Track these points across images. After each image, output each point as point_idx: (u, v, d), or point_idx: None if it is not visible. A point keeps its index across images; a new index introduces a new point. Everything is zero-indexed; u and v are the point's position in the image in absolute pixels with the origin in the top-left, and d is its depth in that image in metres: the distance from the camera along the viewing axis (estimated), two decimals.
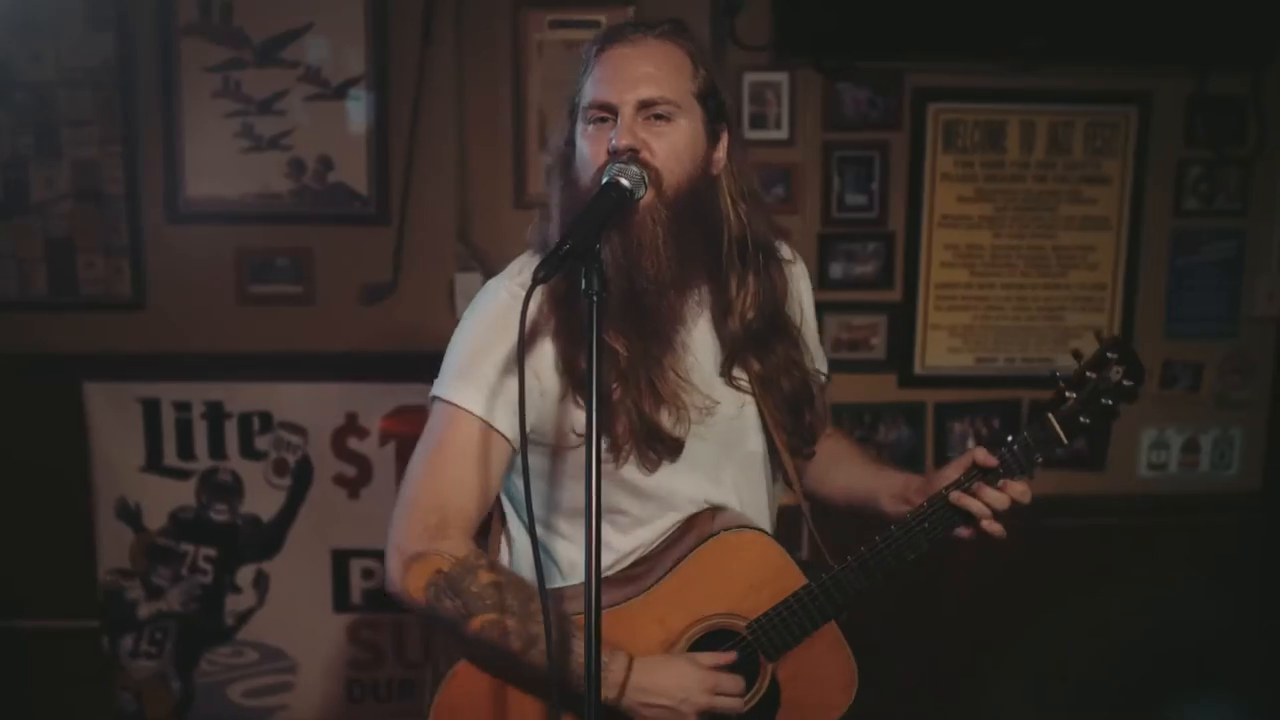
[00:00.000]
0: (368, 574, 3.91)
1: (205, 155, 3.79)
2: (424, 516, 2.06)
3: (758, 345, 2.18)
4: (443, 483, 2.08)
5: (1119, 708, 4.05)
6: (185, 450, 3.86)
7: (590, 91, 2.03)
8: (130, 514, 3.87)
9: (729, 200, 2.12)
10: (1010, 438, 2.20)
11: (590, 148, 2.02)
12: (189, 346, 3.86)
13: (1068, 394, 2.19)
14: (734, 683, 2.11)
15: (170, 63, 3.75)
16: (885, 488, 2.35)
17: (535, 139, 3.84)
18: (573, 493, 2.15)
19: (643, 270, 2.00)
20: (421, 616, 2.11)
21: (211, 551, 3.91)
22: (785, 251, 2.32)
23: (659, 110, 1.99)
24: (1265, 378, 4.15)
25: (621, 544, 2.18)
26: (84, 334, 3.84)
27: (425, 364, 3.85)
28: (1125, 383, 2.17)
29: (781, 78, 3.87)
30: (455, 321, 3.80)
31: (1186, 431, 4.15)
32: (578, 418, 2.06)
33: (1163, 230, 4.06)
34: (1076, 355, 2.21)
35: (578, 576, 2.16)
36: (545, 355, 2.06)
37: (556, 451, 2.12)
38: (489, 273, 3.78)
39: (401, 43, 3.77)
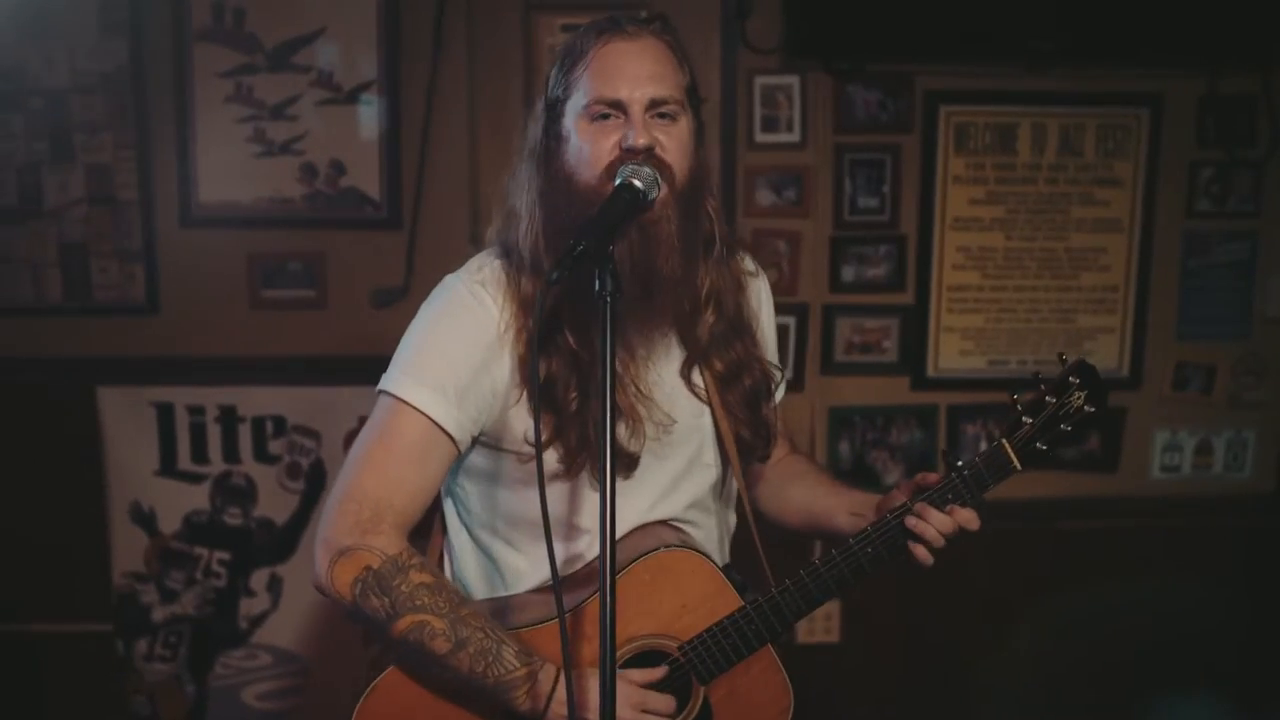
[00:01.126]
0: None
1: (218, 160, 3.80)
2: (357, 510, 2.00)
3: (721, 343, 2.16)
4: (380, 478, 2.02)
5: (1132, 709, 4.04)
6: (199, 454, 3.87)
7: (592, 86, 1.97)
8: (144, 518, 3.88)
9: (707, 198, 2.11)
10: (960, 462, 2.13)
11: (593, 146, 1.97)
12: (202, 350, 3.87)
13: (1024, 419, 2.13)
14: (663, 702, 2.07)
15: (183, 68, 3.76)
16: (843, 505, 2.30)
17: None
18: (518, 499, 2.12)
19: (658, 270, 1.98)
20: (347, 614, 2.05)
21: (225, 555, 3.92)
22: (748, 264, 2.30)
23: (666, 109, 1.98)
24: (1278, 379, 4.14)
25: (563, 554, 2.13)
26: (98, 338, 3.86)
27: None
28: (1087, 408, 2.13)
29: (793, 80, 3.87)
30: None
31: (1199, 433, 4.14)
32: (529, 428, 2.02)
33: (1175, 232, 4.05)
34: (1037, 379, 2.17)
35: (522, 585, 2.15)
36: (505, 360, 2.04)
37: (502, 457, 2.10)
38: None
39: (413, 47, 3.78)
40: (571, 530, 2.13)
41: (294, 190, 3.82)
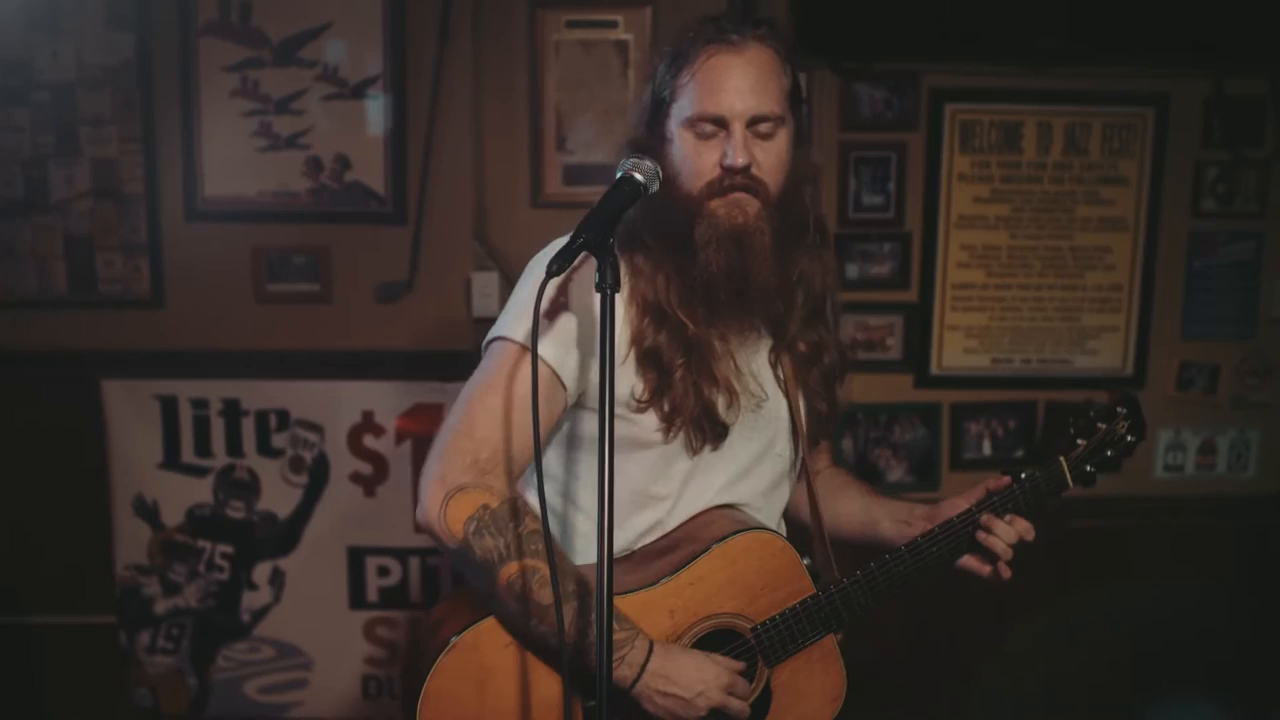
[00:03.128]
0: (384, 571, 3.92)
1: (223, 154, 3.81)
2: (475, 450, 2.01)
3: (805, 325, 2.23)
4: (496, 421, 2.03)
5: (1135, 708, 4.04)
6: (203, 447, 3.87)
7: (697, 99, 2.03)
8: (147, 511, 3.89)
9: (804, 192, 2.16)
10: (1024, 474, 2.27)
11: (696, 160, 2.04)
12: (207, 344, 3.88)
13: (1079, 440, 2.29)
14: (745, 687, 2.12)
15: (189, 62, 3.77)
16: (887, 514, 2.38)
17: (552, 138, 3.85)
18: (623, 469, 2.10)
19: (752, 278, 2.05)
20: (453, 554, 2.03)
21: (228, 548, 3.93)
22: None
23: (765, 128, 2.03)
24: None
25: (639, 523, 2.19)
26: (102, 331, 3.86)
27: (441, 363, 3.89)
28: (1129, 438, 2.30)
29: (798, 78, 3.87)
30: (472, 320, 3.83)
31: (1203, 433, 4.14)
32: (636, 386, 2.08)
33: (1180, 231, 4.05)
34: (1090, 405, 2.31)
35: (590, 554, 2.17)
36: (616, 320, 2.05)
37: (594, 417, 2.11)
38: (506, 272, 3.82)
39: (419, 43, 3.78)
40: (650, 499, 2.18)
41: (299, 184, 3.83)
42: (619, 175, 1.95)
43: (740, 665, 2.12)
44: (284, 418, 3.88)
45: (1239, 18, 3.71)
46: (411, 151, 3.82)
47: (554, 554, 1.93)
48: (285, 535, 3.92)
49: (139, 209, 3.82)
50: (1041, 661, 4.02)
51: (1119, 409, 2.30)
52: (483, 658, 2.08)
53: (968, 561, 2.27)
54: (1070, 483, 2.28)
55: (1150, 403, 4.05)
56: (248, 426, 3.88)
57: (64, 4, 3.71)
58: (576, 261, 1.92)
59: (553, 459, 2.21)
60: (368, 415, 3.87)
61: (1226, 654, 4.04)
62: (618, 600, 2.05)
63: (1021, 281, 4.02)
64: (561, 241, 2.12)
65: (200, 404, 3.86)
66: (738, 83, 2.01)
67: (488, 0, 3.80)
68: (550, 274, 1.80)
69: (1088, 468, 2.29)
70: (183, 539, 3.91)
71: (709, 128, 2.03)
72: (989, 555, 2.24)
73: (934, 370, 4.05)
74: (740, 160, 2.00)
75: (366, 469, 3.89)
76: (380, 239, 3.86)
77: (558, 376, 2.05)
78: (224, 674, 3.98)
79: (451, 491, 1.99)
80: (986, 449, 4.10)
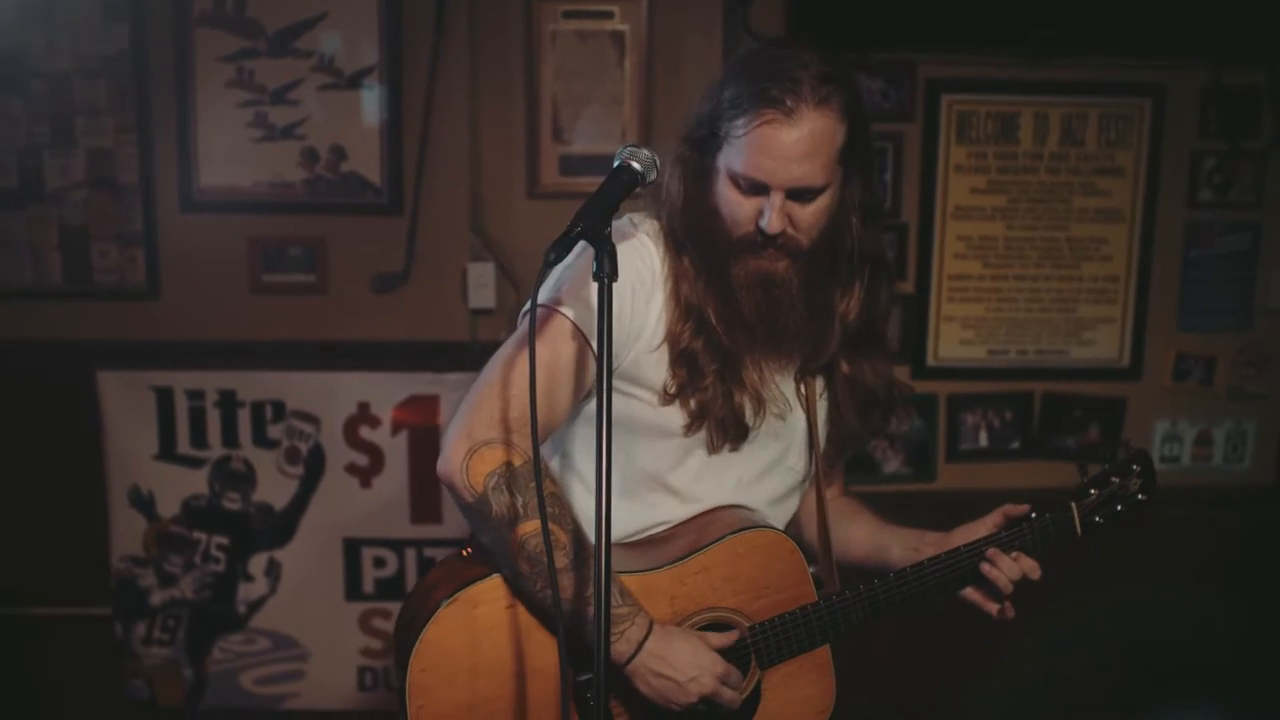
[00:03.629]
0: (379, 563, 3.92)
1: (219, 145, 3.80)
2: (504, 407, 2.01)
3: (849, 348, 2.23)
4: (527, 382, 1.97)
5: (1130, 699, 4.04)
6: (198, 438, 3.87)
7: (744, 159, 2.02)
8: (143, 502, 3.88)
9: (850, 229, 2.15)
10: (1034, 514, 2.27)
11: (736, 209, 2.05)
12: (202, 335, 3.87)
13: (1091, 490, 2.30)
14: (739, 680, 2.12)
15: (184, 52, 3.76)
16: (898, 540, 2.38)
17: (548, 129, 3.84)
18: (641, 453, 2.16)
19: (781, 323, 2.09)
20: (469, 508, 2.02)
21: (224, 539, 3.93)
22: None
23: (806, 196, 2.03)
24: (1279, 371, 4.14)
25: (651, 515, 2.21)
26: (98, 322, 3.86)
27: (438, 353, 3.89)
28: (1140, 496, 2.31)
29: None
30: (468, 312, 3.84)
31: (1199, 424, 4.14)
32: (667, 380, 2.10)
33: (1177, 222, 4.05)
34: (1105, 458, 2.33)
35: (614, 538, 2.18)
36: (656, 302, 2.09)
37: (626, 401, 2.13)
38: (502, 262, 3.82)
39: (414, 33, 3.77)
40: (664, 487, 2.19)
41: (295, 175, 3.82)
42: (616, 164, 1.95)
43: (728, 639, 2.13)
44: (280, 409, 3.87)
45: (1236, 8, 3.71)
46: (407, 142, 3.81)
47: (559, 521, 1.98)
48: (281, 526, 3.92)
49: (134, 199, 3.82)
50: (1037, 652, 4.01)
51: (1134, 466, 2.31)
52: (482, 614, 2.07)
53: (970, 594, 2.29)
54: (1079, 531, 2.29)
55: (1146, 394, 4.09)
56: (243, 417, 3.87)
57: None
58: (635, 239, 1.99)
59: (578, 436, 2.21)
60: (364, 406, 3.87)
61: (1223, 645, 4.05)
62: (624, 578, 2.06)
63: (1018, 272, 4.02)
64: (617, 220, 2.13)
65: (196, 395, 3.85)
66: (785, 153, 1.99)
67: None
68: (548, 263, 1.79)
69: (1096, 519, 2.30)
70: (178, 530, 3.91)
71: (751, 187, 2.04)
72: (992, 590, 2.26)
73: (930, 361, 4.05)
74: (775, 228, 2.02)
75: (362, 460, 3.89)
76: (376, 230, 3.85)
77: (590, 346, 2.03)
78: (220, 665, 3.97)
79: (476, 445, 1.99)
80: (983, 440, 4.10)
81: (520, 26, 3.81)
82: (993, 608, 2.28)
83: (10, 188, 3.79)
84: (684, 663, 2.03)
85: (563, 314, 2.04)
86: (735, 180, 2.04)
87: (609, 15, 3.81)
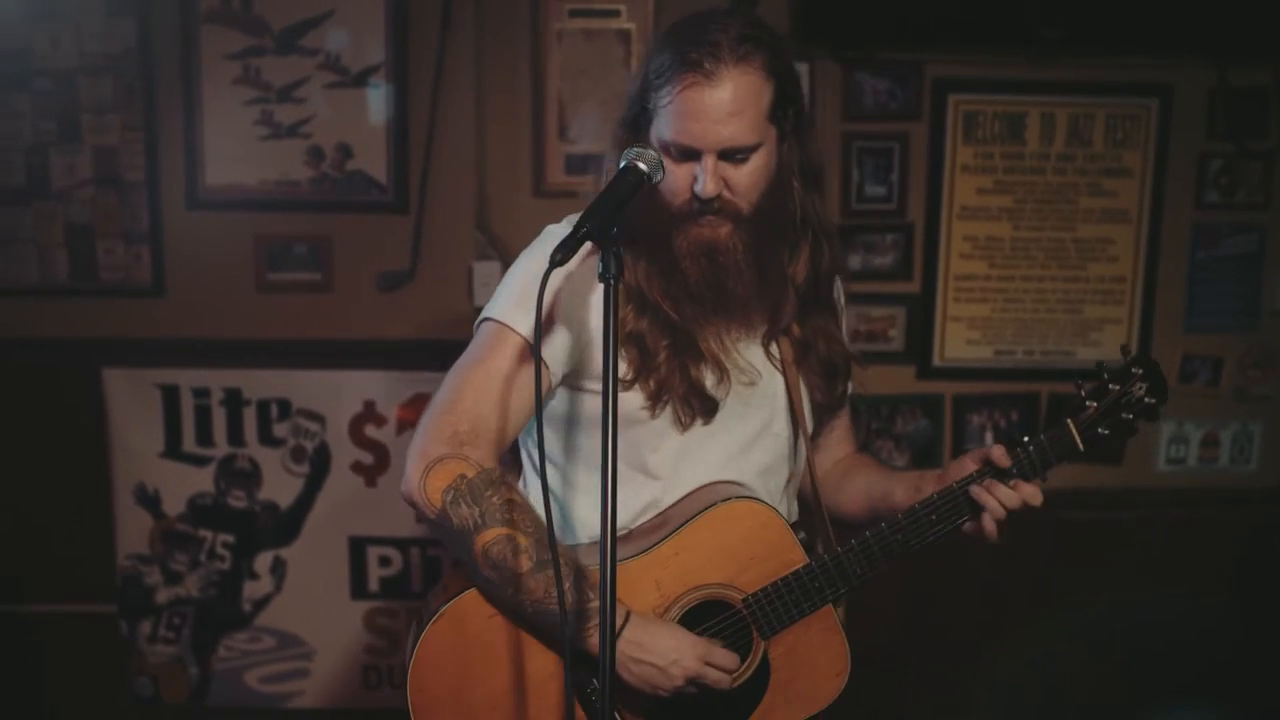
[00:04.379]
0: (385, 561, 3.92)
1: (225, 142, 3.80)
2: (455, 423, 2.06)
3: (800, 313, 2.25)
4: (480, 396, 2.09)
5: (1134, 701, 4.04)
6: (204, 437, 3.87)
7: (671, 126, 2.04)
8: (149, 500, 3.89)
9: (792, 192, 2.17)
10: (1026, 438, 2.20)
11: (673, 179, 2.06)
12: (208, 333, 3.87)
13: (1089, 402, 2.20)
14: (727, 657, 2.11)
15: (191, 50, 3.76)
16: (901, 484, 2.37)
17: (554, 128, 3.84)
18: (593, 441, 2.17)
19: (728, 290, 2.10)
20: (432, 524, 2.09)
21: (229, 538, 3.93)
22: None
23: (738, 156, 2.04)
24: None
25: (635, 502, 2.20)
26: (104, 320, 3.86)
27: (443, 352, 3.85)
28: (1148, 400, 2.21)
29: (801, 68, 3.85)
30: (474, 310, 3.83)
31: (1205, 426, 4.13)
32: (620, 366, 2.09)
33: (1183, 223, 4.04)
34: (1101, 365, 2.23)
35: (591, 533, 2.19)
36: (596, 302, 2.08)
37: (583, 397, 2.17)
38: (507, 261, 3.80)
39: (421, 31, 3.77)
40: (644, 474, 2.20)
41: (301, 173, 3.82)
42: (622, 165, 1.96)
43: (723, 654, 2.12)
44: (285, 407, 3.88)
45: (1243, 8, 3.71)
46: (413, 140, 3.81)
47: (518, 525, 2.01)
48: (286, 525, 3.92)
49: (140, 197, 3.82)
50: (1043, 654, 4.01)
51: (1134, 369, 2.21)
52: (468, 628, 2.10)
53: (970, 527, 2.22)
54: (1081, 446, 2.19)
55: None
56: (249, 416, 3.88)
57: None
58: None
59: (548, 441, 2.23)
60: (369, 405, 3.87)
61: (1228, 647, 4.04)
62: (596, 571, 2.04)
63: (1024, 273, 4.01)
64: (556, 227, 2.19)
65: (202, 393, 3.86)
66: (710, 115, 2.01)
67: None
68: (554, 263, 1.79)
69: (1100, 429, 2.19)
70: (184, 528, 3.91)
71: (682, 155, 2.05)
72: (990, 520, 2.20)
73: (936, 362, 4.05)
74: (710, 190, 2.03)
75: (368, 458, 3.89)
76: (382, 228, 3.85)
77: (541, 357, 2.04)
78: (225, 663, 3.98)
79: (431, 463, 2.04)
80: (989, 441, 4.08)
81: (527, 25, 3.81)
82: (991, 529, 2.19)
83: (16, 185, 3.79)
84: (663, 647, 2.04)
85: (511, 329, 2.10)
86: (667, 150, 2.05)
87: (615, 14, 3.81)
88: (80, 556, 3.93)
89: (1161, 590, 3.91)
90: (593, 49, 3.82)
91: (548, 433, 2.23)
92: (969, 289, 4.01)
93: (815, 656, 2.21)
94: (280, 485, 3.92)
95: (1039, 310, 4.02)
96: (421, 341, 3.84)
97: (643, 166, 1.95)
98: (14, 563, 3.90)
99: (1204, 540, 4.04)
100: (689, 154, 2.04)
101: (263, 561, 3.94)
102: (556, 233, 2.17)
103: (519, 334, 2.09)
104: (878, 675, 4.04)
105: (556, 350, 2.11)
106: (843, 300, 2.43)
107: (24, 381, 3.83)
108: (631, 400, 2.14)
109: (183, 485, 3.90)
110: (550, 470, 2.23)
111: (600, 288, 1.96)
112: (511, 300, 2.13)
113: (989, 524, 2.18)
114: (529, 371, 2.08)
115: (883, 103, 3.91)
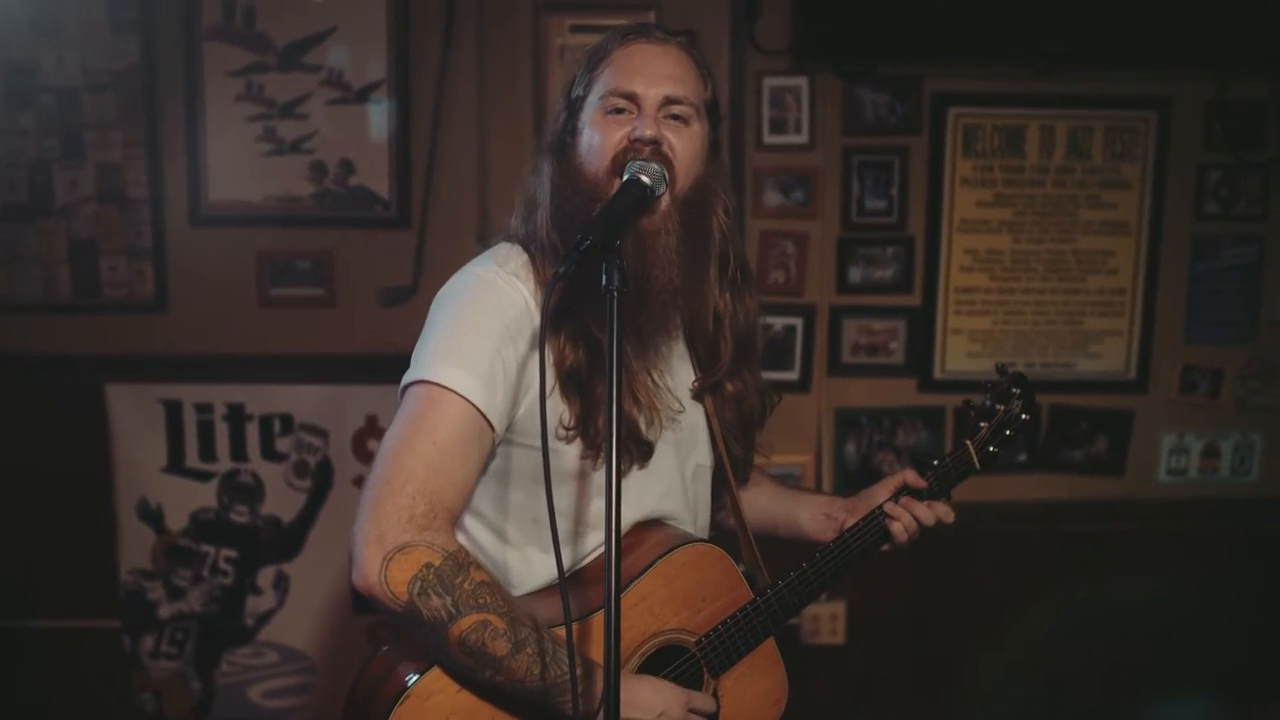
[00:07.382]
0: None
1: (227, 159, 3.81)
2: (410, 504, 1.87)
3: (732, 370, 2.21)
4: (428, 470, 1.90)
5: (1137, 711, 4.04)
6: (207, 452, 3.88)
7: (611, 80, 2.01)
8: (152, 515, 3.89)
9: (717, 214, 2.12)
10: (935, 461, 2.33)
11: (604, 136, 2.00)
12: (210, 348, 3.88)
13: (980, 423, 2.35)
14: (705, 702, 2.09)
15: (193, 67, 3.77)
16: (806, 507, 2.42)
17: None
18: (531, 498, 2.06)
19: (654, 278, 2.00)
20: (398, 616, 1.88)
21: (232, 553, 3.93)
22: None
23: (679, 111, 2.01)
24: None
25: (581, 552, 2.13)
26: (106, 336, 3.87)
27: None
28: (1023, 416, 2.37)
29: (801, 82, 3.88)
30: None
31: (1206, 437, 4.14)
32: (563, 414, 2.01)
33: (1183, 235, 4.05)
34: (988, 385, 2.39)
35: (526, 587, 2.11)
36: (530, 346, 1.99)
37: (521, 452, 2.05)
38: None
39: (423, 47, 3.79)
40: (581, 527, 2.12)
41: (303, 189, 3.83)
42: (625, 178, 1.93)
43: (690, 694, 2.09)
44: (288, 422, 3.88)
45: (1242, 21, 3.72)
46: (415, 156, 3.83)
47: (493, 609, 1.90)
48: (289, 540, 3.93)
49: (143, 213, 3.83)
50: (1045, 664, 4.02)
51: (1013, 389, 2.37)
52: (437, 704, 1.97)
53: (888, 548, 2.32)
54: (978, 465, 2.34)
55: (1153, 406, 4.09)
56: (252, 431, 3.88)
57: (69, 8, 3.72)
58: (505, 284, 1.98)
59: (481, 496, 2.10)
60: (371, 419, 3.88)
61: (1230, 657, 4.04)
62: (561, 632, 1.94)
63: (1024, 285, 4.02)
64: (480, 268, 2.07)
65: (204, 408, 3.86)
66: (655, 67, 2.00)
67: (492, 4, 3.81)
68: (558, 276, 1.73)
69: (990, 449, 2.35)
70: (187, 543, 3.92)
71: (621, 102, 1.99)
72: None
73: (937, 374, 4.05)
74: (649, 131, 1.96)
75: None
76: (384, 243, 3.86)
77: (484, 416, 1.95)
78: (227, 678, 3.98)
79: (390, 552, 1.85)
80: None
81: (528, 40, 3.83)
82: (904, 540, 2.29)
83: (20, 202, 3.80)
84: (647, 701, 1.99)
85: (451, 391, 1.93)
86: (603, 105, 2.01)
87: None
88: (83, 572, 3.93)
89: (1163, 601, 3.91)
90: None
91: (480, 488, 2.09)
92: (969, 302, 4.02)
93: (757, 686, 2.23)
94: (283, 500, 3.92)
95: (1039, 322, 4.03)
96: None
97: (646, 180, 1.91)
98: (17, 578, 3.90)
99: (1205, 551, 4.04)
100: (629, 99, 1.99)
101: (265, 576, 3.94)
102: (479, 273, 2.05)
103: (458, 394, 1.92)
104: (880, 689, 4.05)
105: (499, 405, 1.96)
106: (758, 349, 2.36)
107: (27, 397, 3.84)
108: (569, 453, 2.03)
109: (186, 500, 3.90)
110: (479, 525, 2.13)
111: (533, 329, 1.96)
112: (440, 356, 1.96)
113: (902, 537, 2.28)
114: (476, 440, 1.95)
115: (883, 116, 3.93)
